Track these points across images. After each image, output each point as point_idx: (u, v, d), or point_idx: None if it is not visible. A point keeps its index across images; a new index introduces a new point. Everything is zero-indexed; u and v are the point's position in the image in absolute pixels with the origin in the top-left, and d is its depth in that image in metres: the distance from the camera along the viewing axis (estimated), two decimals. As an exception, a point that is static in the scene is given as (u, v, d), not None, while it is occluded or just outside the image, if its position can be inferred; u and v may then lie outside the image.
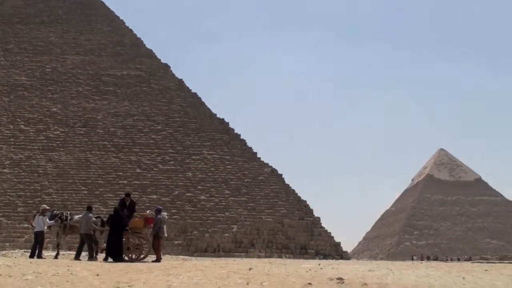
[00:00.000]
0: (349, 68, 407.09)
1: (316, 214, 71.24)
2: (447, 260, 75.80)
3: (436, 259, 71.21)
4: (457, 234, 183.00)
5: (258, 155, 77.24)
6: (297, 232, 65.24)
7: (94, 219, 26.02)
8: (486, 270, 23.67)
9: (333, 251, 65.47)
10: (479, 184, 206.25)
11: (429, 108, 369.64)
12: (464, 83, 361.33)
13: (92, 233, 25.47)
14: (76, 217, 28.05)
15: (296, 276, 16.43)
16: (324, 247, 65.24)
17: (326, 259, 55.33)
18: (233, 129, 79.27)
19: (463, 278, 19.03)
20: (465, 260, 65.16)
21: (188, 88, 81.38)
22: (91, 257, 24.56)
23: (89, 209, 26.10)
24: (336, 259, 57.36)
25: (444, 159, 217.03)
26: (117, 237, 22.74)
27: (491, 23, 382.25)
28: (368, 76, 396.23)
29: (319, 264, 25.66)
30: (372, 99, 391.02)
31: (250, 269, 19.38)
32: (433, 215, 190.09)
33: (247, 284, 13.95)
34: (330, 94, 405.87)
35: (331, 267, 22.59)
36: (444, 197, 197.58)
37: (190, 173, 67.52)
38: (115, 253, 22.66)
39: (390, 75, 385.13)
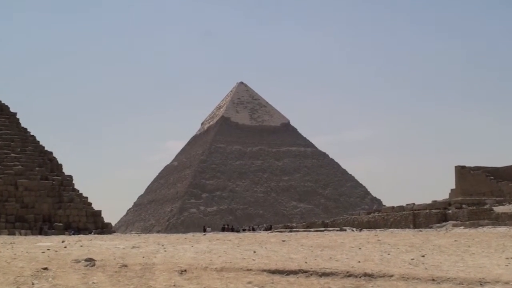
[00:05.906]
0: None
1: (67, 172, 70.74)
2: (244, 230, 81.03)
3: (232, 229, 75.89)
4: (257, 197, 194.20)
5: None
6: (38, 197, 64.18)
7: None
8: (283, 241, 26.02)
9: (91, 223, 65.95)
10: (287, 130, 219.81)
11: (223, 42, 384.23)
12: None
13: None
14: None
15: (27, 260, 16.20)
16: (77, 218, 65.32)
17: (79, 234, 55.49)
18: None
19: (254, 252, 20.70)
20: (264, 230, 70.14)
21: None
22: None
23: None
24: (95, 234, 57.89)
25: (244, 97, 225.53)
26: None
27: None
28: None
29: (63, 242, 25.65)
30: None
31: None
32: (227, 171, 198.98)
33: None
34: None
35: (79, 245, 22.73)
36: (243, 147, 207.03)
37: None
38: None
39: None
